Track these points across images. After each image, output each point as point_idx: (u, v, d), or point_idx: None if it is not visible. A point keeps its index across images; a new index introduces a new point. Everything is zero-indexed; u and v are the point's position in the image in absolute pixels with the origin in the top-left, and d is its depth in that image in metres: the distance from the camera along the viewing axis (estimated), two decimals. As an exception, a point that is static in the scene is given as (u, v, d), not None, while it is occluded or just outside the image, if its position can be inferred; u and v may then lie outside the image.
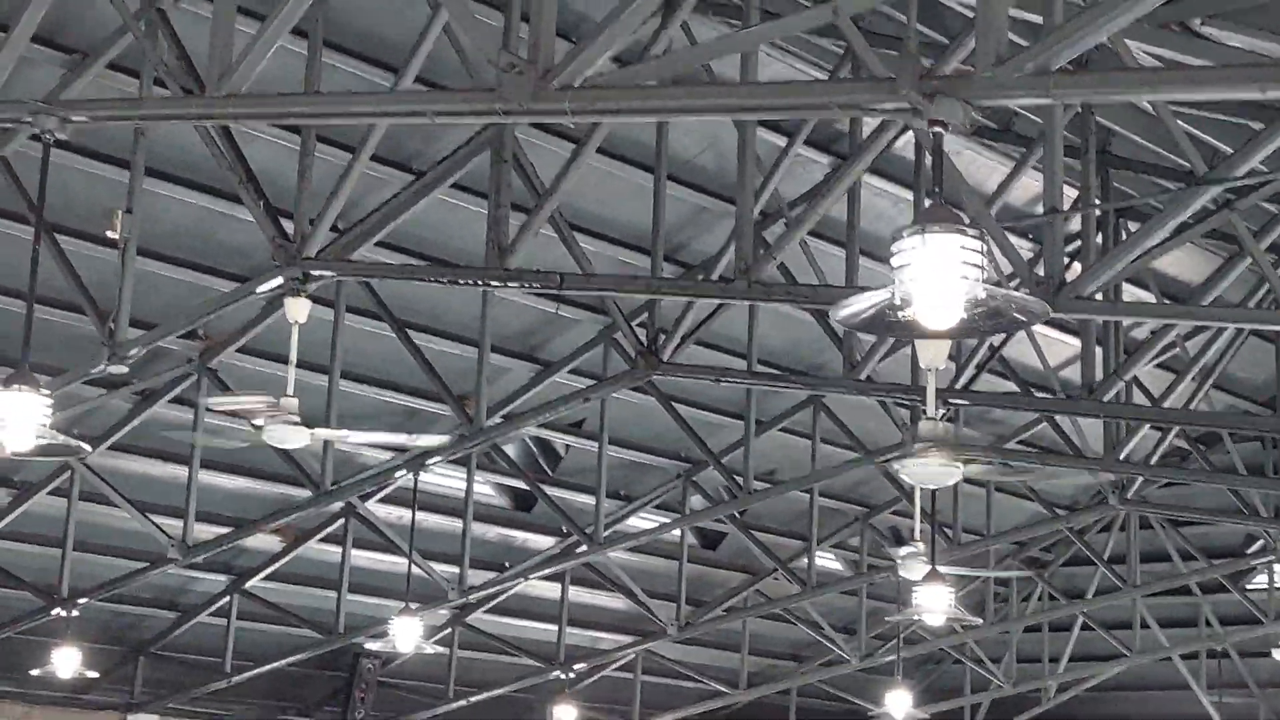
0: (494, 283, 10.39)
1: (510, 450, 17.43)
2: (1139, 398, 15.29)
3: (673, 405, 15.65)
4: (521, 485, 17.98)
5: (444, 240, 13.31)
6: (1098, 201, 11.41)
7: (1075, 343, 15.58)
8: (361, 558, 17.97)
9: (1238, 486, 17.06)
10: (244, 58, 7.54)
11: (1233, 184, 8.94)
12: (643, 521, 18.48)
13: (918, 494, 13.38)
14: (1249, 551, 20.62)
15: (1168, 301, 14.53)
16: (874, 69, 6.27)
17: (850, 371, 12.87)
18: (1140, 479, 16.58)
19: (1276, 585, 20.29)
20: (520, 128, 10.99)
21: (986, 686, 23.73)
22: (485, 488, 18.36)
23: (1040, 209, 12.40)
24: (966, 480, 13.43)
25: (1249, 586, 21.64)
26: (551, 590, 19.93)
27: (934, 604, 14.27)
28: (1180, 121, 9.82)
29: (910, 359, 13.84)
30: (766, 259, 10.10)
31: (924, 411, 9.02)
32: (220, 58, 7.56)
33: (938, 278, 5.14)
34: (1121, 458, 14.63)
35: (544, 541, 18.84)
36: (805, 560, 18.82)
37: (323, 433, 10.52)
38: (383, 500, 16.97)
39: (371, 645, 18.11)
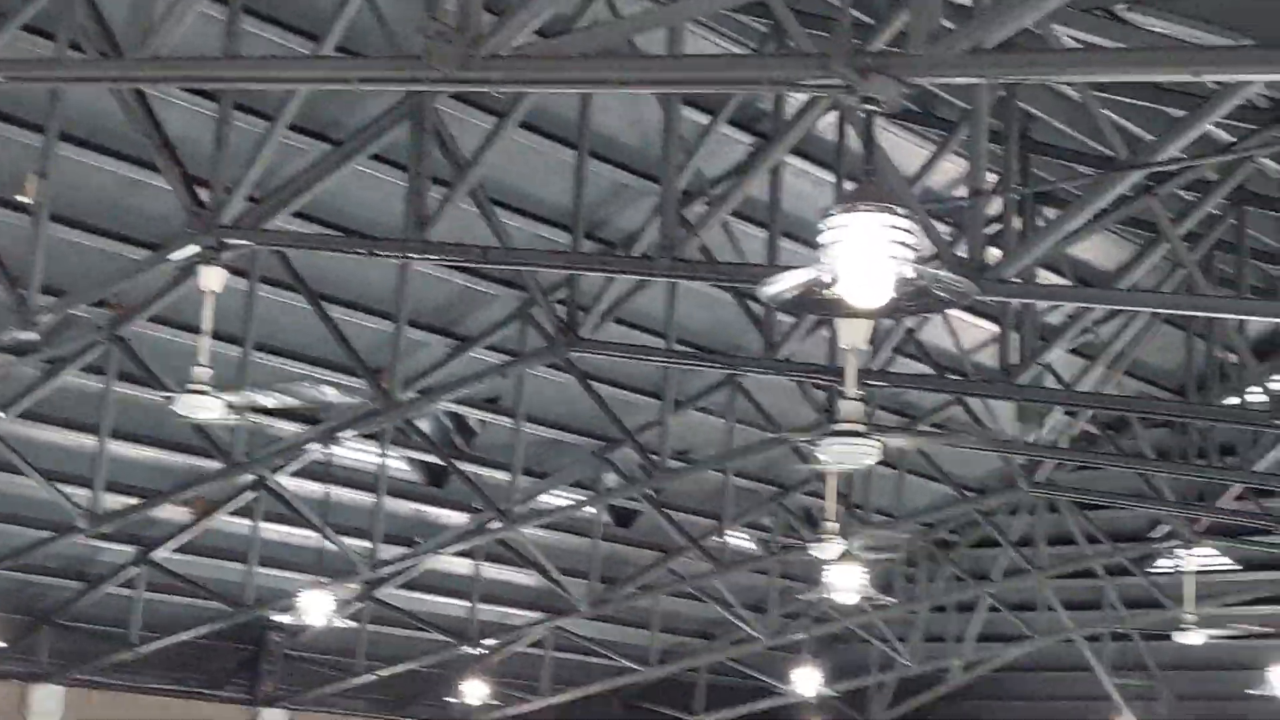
0: (412, 255, 10.28)
1: (424, 425, 17.32)
2: (1050, 382, 15.44)
3: (589, 383, 15.59)
4: (435, 460, 17.87)
5: (362, 211, 13.16)
6: (1019, 186, 11.47)
7: (988, 327, 15.72)
8: (272, 531, 17.82)
9: (1145, 471, 17.26)
10: (162, 21, 7.39)
11: (1154, 168, 9.02)
12: (556, 499, 18.44)
13: (832, 475, 13.42)
14: (1154, 536, 20.90)
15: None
16: (804, 46, 6.24)
17: (768, 352, 12.88)
18: (1050, 462, 16.74)
19: (1180, 569, 20.55)
20: (442, 99, 10.89)
21: (893, 665, 23.92)
22: (399, 463, 18.24)
23: (958, 193, 12.49)
24: (879, 462, 13.53)
25: (1152, 570, 21.95)
26: (463, 566, 19.87)
27: (845, 583, 14.36)
28: (1103, 109, 9.89)
29: (828, 341, 13.90)
30: (689, 237, 10.07)
31: (844, 392, 9.05)
32: (138, 21, 7.41)
33: (867, 256, 5.13)
34: (1032, 441, 14.77)
35: (457, 517, 18.74)
36: (718, 539, 18.86)
37: (230, 396, 10.33)
38: (295, 474, 16.80)
39: (280, 619, 17.96)
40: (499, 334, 15.00)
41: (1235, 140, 10.08)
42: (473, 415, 17.57)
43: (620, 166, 13.52)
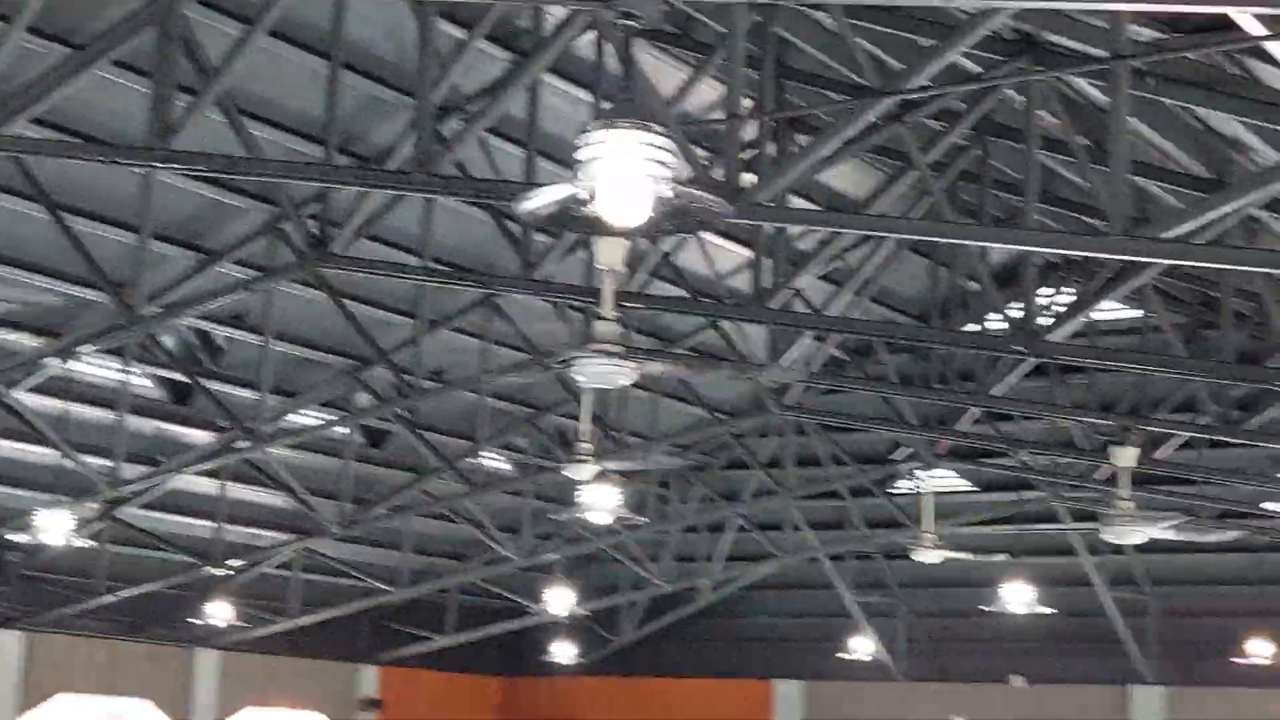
0: (156, 164, 9.91)
1: (169, 341, 16.85)
2: (800, 307, 15.69)
3: (341, 300, 15.31)
4: (180, 378, 17.41)
5: (105, 119, 12.65)
6: (774, 111, 11.56)
7: (741, 252, 15.90)
8: (8, 448, 17.21)
9: (889, 395, 17.70)
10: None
11: (903, 96, 9.15)
12: (306, 418, 18.15)
13: (587, 396, 13.44)
14: (896, 458, 21.49)
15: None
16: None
17: (525, 272, 12.80)
18: (799, 386, 17.04)
19: (920, 490, 21.17)
20: (189, 4, 10.48)
21: (644, 584, 24.25)
22: (142, 379, 17.73)
23: (715, 117, 12.54)
24: (634, 385, 13.59)
25: (894, 491, 22.60)
26: (209, 486, 19.46)
27: (599, 503, 14.44)
28: (855, 37, 10.00)
29: (585, 263, 13.88)
30: (444, 153, 9.90)
31: (599, 313, 9.01)
32: None
33: (624, 173, 5.09)
34: (783, 365, 15.00)
35: (202, 436, 18.32)
36: (472, 460, 18.79)
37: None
38: (32, 390, 16.20)
39: (16, 538, 17.38)
40: (247, 248, 14.64)
41: (982, 71, 10.30)
42: (219, 332, 17.13)
43: (375, 79, 13.24)
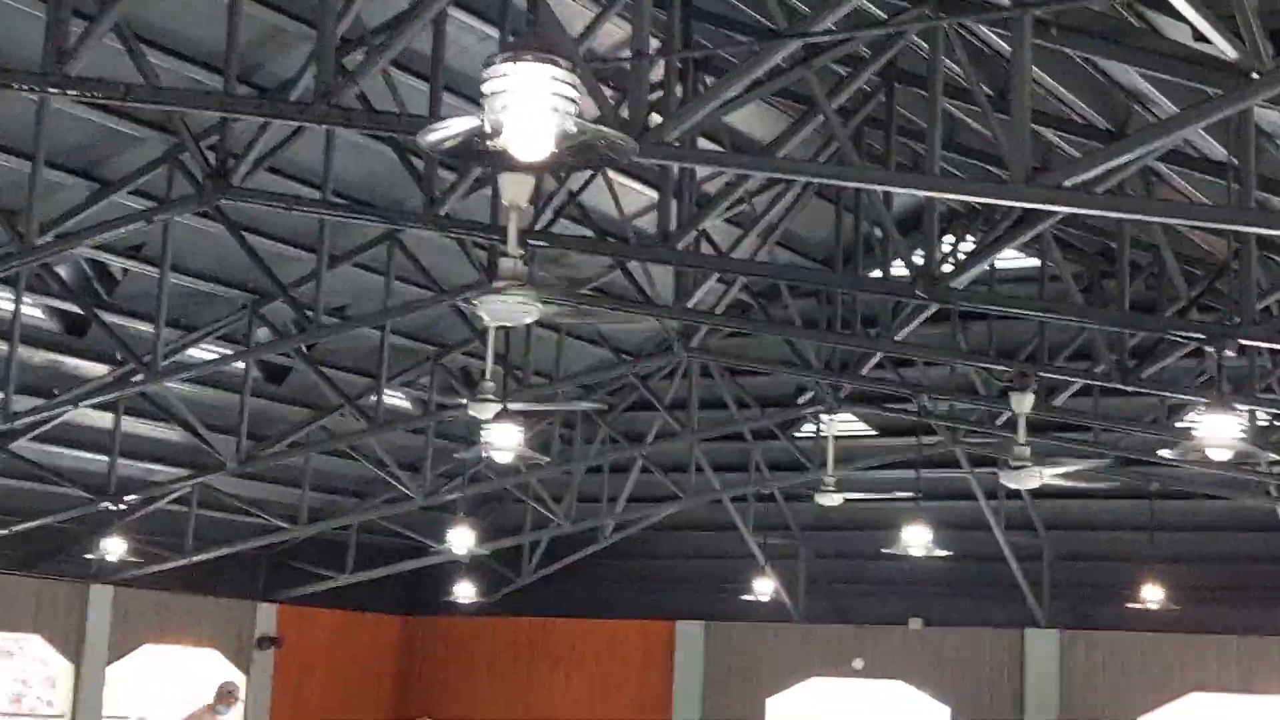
0: (50, 89, 9.68)
1: (63, 272, 16.56)
2: (707, 250, 15.68)
3: (241, 233, 15.12)
4: (74, 309, 17.13)
5: (-4, 42, 12.35)
6: (682, 51, 11.50)
7: (649, 193, 15.86)
8: (-105, 380, 16.84)
9: (794, 339, 17.77)
10: None
11: (809, 39, 9.13)
12: (204, 352, 17.95)
13: (491, 333, 13.38)
14: (800, 402, 21.62)
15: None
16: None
17: (429, 208, 12.68)
18: (704, 328, 17.06)
19: (822, 433, 21.34)
20: (86, -73, 10.23)
21: (547, 525, 24.29)
22: (35, 310, 17.43)
23: (622, 56, 12.44)
24: (538, 323, 13.55)
25: (797, 435, 22.75)
26: (104, 420, 19.21)
27: (503, 442, 14.40)
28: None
29: (490, 200, 13.78)
30: (347, 84, 9.75)
31: (504, 250, 8.96)
32: None
33: (529, 107, 5.03)
34: (689, 306, 15.00)
35: (97, 369, 18.06)
36: (373, 398, 18.69)
37: None
38: (-79, 320, 15.89)
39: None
40: (145, 178, 14.39)
41: (888, 17, 10.29)
42: (115, 263, 16.86)
43: (276, 9, 13.01)
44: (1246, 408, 14.48)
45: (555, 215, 14.86)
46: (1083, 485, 18.25)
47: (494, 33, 12.94)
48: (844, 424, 22.35)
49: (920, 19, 9.75)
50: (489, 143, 5.14)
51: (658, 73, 11.84)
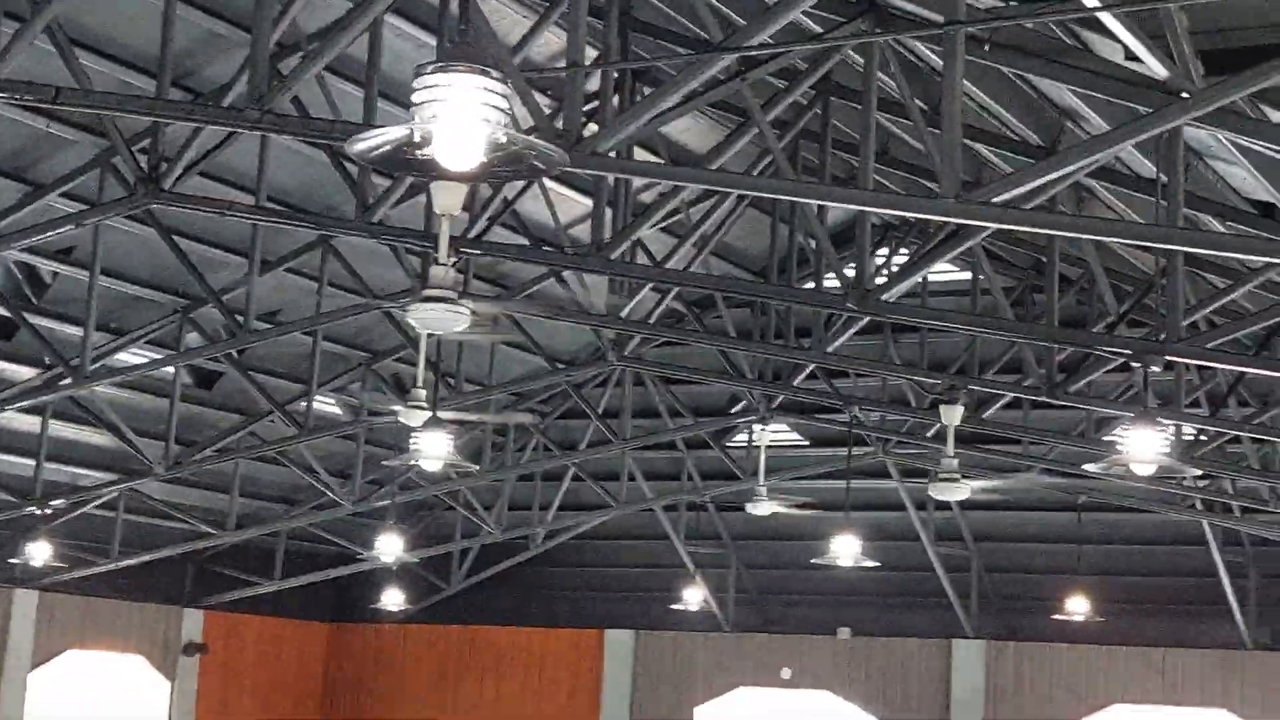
0: (-20, 91, 9.58)
1: (-8, 274, 16.40)
2: (642, 260, 15.71)
3: (172, 237, 15.02)
4: (4, 312, 16.93)
5: (-75, 41, 12.19)
6: (618, 62, 11.51)
7: (585, 201, 15.87)
8: None
9: (727, 349, 17.82)
10: None
11: (745, 53, 9.16)
12: (134, 357, 17.79)
13: (423, 341, 13.33)
14: (732, 411, 21.67)
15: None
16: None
17: (362, 214, 12.63)
18: (638, 337, 17.08)
19: (755, 443, 21.41)
20: (18, -73, 10.14)
21: (477, 532, 24.22)
22: (-37, 313, 17.23)
23: (558, 66, 12.44)
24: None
25: (730, 444, 22.80)
26: (31, 423, 19.02)
27: (433, 450, 14.35)
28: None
29: (424, 207, 13.74)
30: (281, 90, 9.70)
31: (436, 258, 8.94)
32: None
33: (459, 117, 5.02)
34: (622, 316, 15.00)
35: (25, 372, 17.87)
36: (304, 403, 18.58)
37: None
38: None
39: None
40: (76, 181, 14.27)
41: (824, 31, 10.34)
42: (45, 266, 16.70)
43: (212, 14, 12.93)
44: (1172, 423, 14.64)
45: (490, 223, 14.84)
46: (1011, 498, 18.40)
47: (431, 40, 12.91)
48: (776, 434, 22.43)
49: (855, 34, 9.80)
50: (418, 152, 5.12)
51: (596, 82, 11.87)
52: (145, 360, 17.70)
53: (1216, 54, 8.69)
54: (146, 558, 22.58)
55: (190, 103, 12.58)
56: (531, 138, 5.17)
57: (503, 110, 5.09)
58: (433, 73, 5.10)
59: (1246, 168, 10.43)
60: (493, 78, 5.08)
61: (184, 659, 24.90)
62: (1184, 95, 8.07)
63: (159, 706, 24.58)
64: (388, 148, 5.23)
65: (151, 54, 11.74)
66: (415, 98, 5.13)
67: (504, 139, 5.07)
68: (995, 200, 8.42)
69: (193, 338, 17.37)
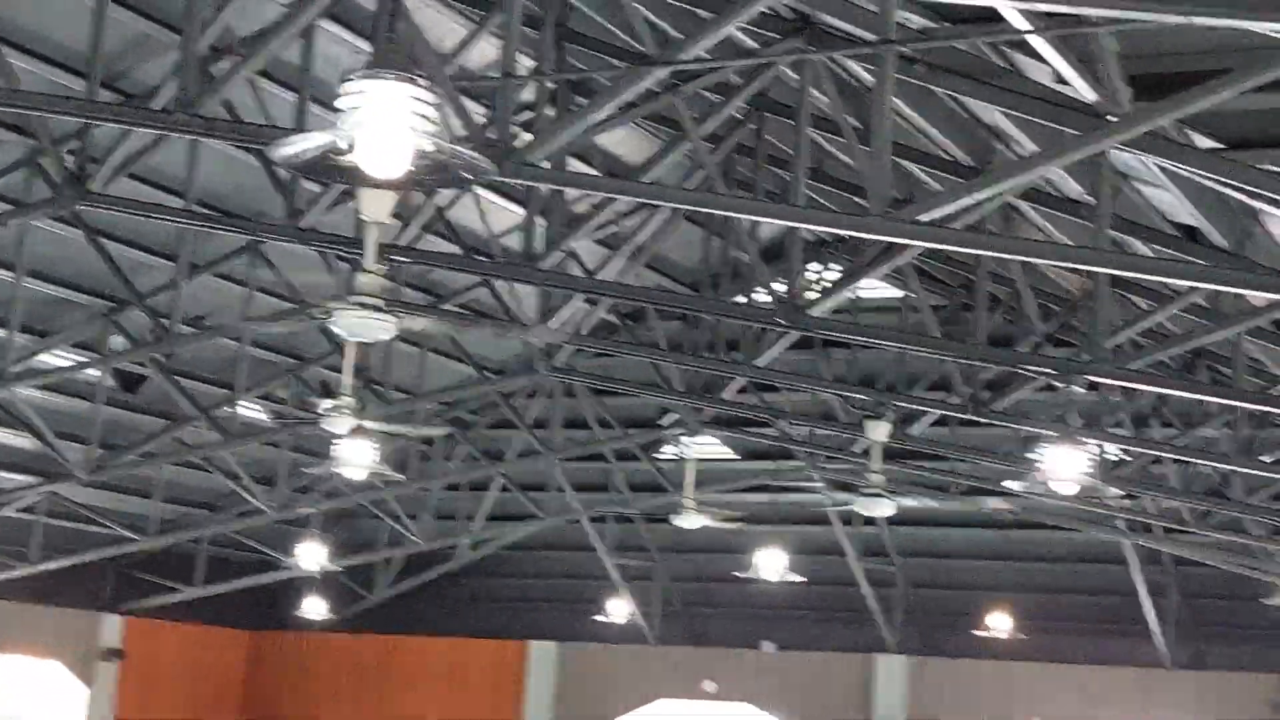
0: (-96, 87, 9.45)
1: (-87, 274, 16.13)
2: (575, 270, 15.68)
3: (99, 239, 14.85)
4: (-76, 312, 16.70)
5: None
6: (553, 73, 11.50)
7: (519, 211, 15.81)
8: None
9: (658, 361, 17.81)
10: None
11: (679, 66, 9.17)
12: (58, 359, 17.57)
13: (350, 348, 13.25)
14: (662, 423, 21.68)
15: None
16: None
17: (291, 219, 12.54)
18: (569, 348, 17.05)
19: (683, 456, 21.41)
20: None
21: (402, 541, 24.08)
22: (-118, 311, 16.95)
23: (491, 75, 12.41)
24: (400, 339, 13.44)
25: (659, 456, 22.80)
26: (-48, 425, 18.75)
27: (356, 458, 14.26)
28: (635, 4, 10.00)
29: (356, 213, 13.65)
30: (211, 93, 9.62)
31: (363, 265, 8.90)
32: None
33: (385, 125, 4.99)
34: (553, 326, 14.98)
35: (-54, 373, 17.60)
36: (229, 409, 18.41)
37: None
38: None
39: None
40: (3, 182, 14.08)
41: (758, 47, 10.38)
42: (-32, 266, 16.47)
43: (144, 15, 12.81)
44: (1094, 442, 14.78)
45: (422, 231, 14.76)
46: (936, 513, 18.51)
47: (366, 46, 12.84)
48: (705, 447, 22.45)
49: (790, 51, 9.84)
50: (343, 158, 5.09)
51: (531, 92, 11.84)
52: (70, 363, 17.50)
53: (1145, 79, 8.78)
54: (67, 562, 22.30)
55: (119, 104, 12.45)
56: (458, 146, 5.14)
57: (429, 118, 5.06)
58: (359, 79, 5.07)
59: (1173, 191, 10.54)
60: (420, 85, 5.05)
61: (102, 665, 24.61)
62: (1111, 119, 8.15)
63: (76, 713, 24.27)
64: (312, 154, 5.19)
65: (82, 54, 11.62)
66: (341, 104, 5.10)
67: (430, 147, 5.05)
68: (923, 219, 8.47)
69: (118, 341, 17.18)
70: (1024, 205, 12.25)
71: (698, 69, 10.15)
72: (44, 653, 23.93)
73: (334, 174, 5.23)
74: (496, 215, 15.78)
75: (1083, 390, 11.98)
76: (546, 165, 10.32)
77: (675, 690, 25.47)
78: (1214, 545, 20.13)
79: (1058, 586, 23.51)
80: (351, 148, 5.06)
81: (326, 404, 14.25)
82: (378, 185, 5.24)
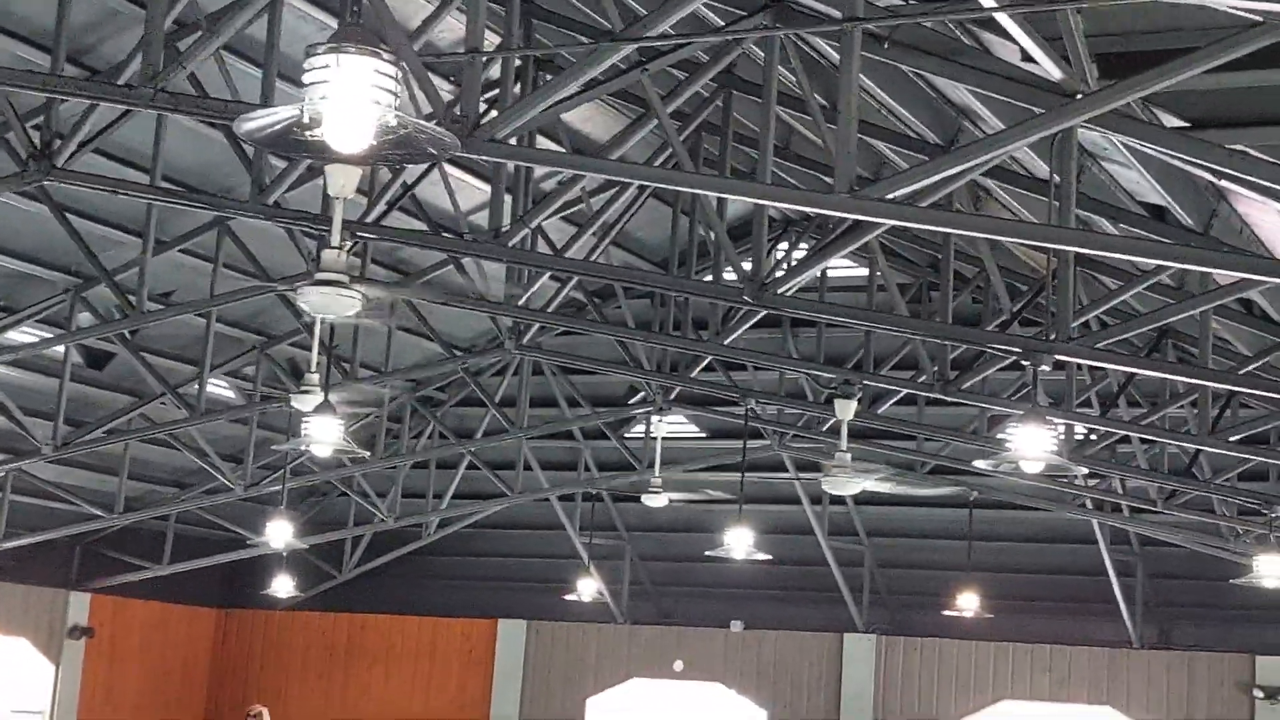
0: None
1: (-123, 249, 16.03)
2: (542, 248, 15.66)
3: (65, 215, 14.77)
4: (-112, 287, 16.60)
5: None
6: (519, 49, 11.47)
7: (486, 188, 15.78)
8: None
9: (626, 339, 17.82)
10: None
11: (645, 43, 9.15)
12: (24, 335, 17.48)
13: (317, 325, 13.22)
14: (631, 402, 21.70)
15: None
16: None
17: (258, 196, 12.49)
18: (536, 326, 17.04)
19: (652, 434, 21.45)
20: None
21: (370, 520, 24.06)
22: None
23: (457, 51, 12.37)
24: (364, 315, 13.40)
25: (627, 435, 22.82)
26: (-83, 402, 18.62)
27: (323, 435, 14.23)
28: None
29: (322, 190, 13.60)
30: (177, 68, 9.57)
31: (329, 241, 8.86)
32: None
33: (348, 99, 4.97)
34: (520, 304, 14.95)
35: (-89, 349, 17.50)
36: (196, 386, 18.36)
37: None
38: None
39: None
40: (-35, 155, 13.97)
41: (725, 24, 10.36)
42: (-67, 241, 16.37)
43: (111, -11, 12.75)
44: (1061, 421, 14.83)
45: (389, 207, 14.72)
46: (902, 493, 18.56)
47: (333, 22, 12.78)
48: (673, 425, 22.48)
49: (756, 28, 9.83)
50: (308, 133, 5.07)
51: (497, 69, 11.81)
52: (35, 339, 17.41)
53: (1112, 58, 8.80)
54: (33, 539, 22.21)
55: (83, 79, 12.36)
56: (423, 121, 5.13)
57: (393, 93, 5.04)
58: (323, 54, 5.05)
59: (1139, 170, 10.58)
60: (384, 60, 5.03)
61: (69, 642, 24.52)
62: (1077, 96, 8.16)
63: (43, 690, 24.19)
64: (277, 128, 5.18)
65: (47, 28, 11.54)
66: (305, 79, 5.08)
67: (394, 122, 5.03)
68: (890, 196, 8.47)
69: (84, 317, 17.10)
70: (991, 184, 12.28)
71: (664, 46, 10.13)
72: (11, 630, 23.83)
73: (300, 149, 5.20)
74: (464, 192, 15.74)
75: (1049, 369, 12.01)
76: (513, 142, 10.31)
77: (645, 669, 25.51)
78: (1182, 525, 20.24)
79: (1025, 566, 23.61)
80: (316, 122, 5.04)
81: (296, 383, 14.20)
82: (342, 160, 5.22)
